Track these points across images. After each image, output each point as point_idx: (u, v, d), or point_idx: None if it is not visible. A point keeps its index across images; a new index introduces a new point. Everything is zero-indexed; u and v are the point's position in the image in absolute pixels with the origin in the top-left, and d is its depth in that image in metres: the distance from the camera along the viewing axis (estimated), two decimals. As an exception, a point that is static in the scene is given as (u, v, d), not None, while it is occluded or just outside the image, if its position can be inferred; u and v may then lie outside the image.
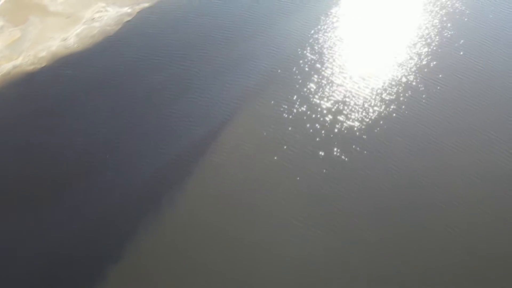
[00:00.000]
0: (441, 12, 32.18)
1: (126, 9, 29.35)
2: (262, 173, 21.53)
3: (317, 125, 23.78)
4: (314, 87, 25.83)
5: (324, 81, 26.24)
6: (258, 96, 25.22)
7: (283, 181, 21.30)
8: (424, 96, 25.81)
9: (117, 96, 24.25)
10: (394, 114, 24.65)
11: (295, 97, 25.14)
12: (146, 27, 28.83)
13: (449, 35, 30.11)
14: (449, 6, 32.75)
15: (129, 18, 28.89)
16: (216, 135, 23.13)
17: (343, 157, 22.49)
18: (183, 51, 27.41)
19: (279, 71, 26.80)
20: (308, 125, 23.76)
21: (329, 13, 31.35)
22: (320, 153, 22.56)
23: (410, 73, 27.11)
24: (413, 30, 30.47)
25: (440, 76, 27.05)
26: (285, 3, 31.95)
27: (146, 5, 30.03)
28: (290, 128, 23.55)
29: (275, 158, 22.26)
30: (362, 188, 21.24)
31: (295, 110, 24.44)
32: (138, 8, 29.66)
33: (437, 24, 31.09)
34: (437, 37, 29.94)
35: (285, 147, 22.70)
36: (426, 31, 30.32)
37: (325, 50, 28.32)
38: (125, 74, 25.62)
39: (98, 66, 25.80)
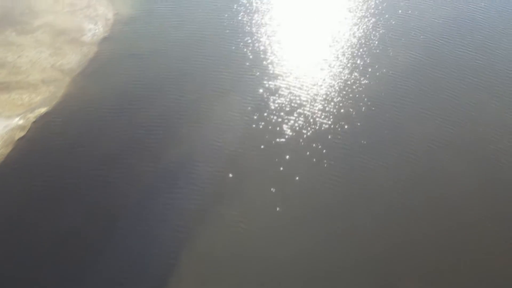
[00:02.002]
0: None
1: (17, 121, 22.58)
2: None
3: (283, 256, 18.57)
4: (273, 191, 20.68)
5: (282, 181, 21.17)
6: (206, 217, 19.51)
7: None
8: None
9: (12, 260, 17.52)
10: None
11: (251, 214, 19.74)
12: (47, 141, 22.14)
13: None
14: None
15: (22, 133, 22.10)
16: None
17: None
18: (100, 168, 21.12)
19: (230, 175, 21.38)
20: (271, 253, 18.46)
21: (267, 87, 26.23)
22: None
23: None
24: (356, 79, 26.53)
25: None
26: (216, 79, 26.53)
27: (43, 110, 23.41)
28: (250, 265, 18.10)
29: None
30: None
31: (254, 238, 18.94)
32: (32, 116, 22.97)
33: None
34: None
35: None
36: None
37: (277, 138, 23.12)
38: (22, 217, 18.92)
39: (-15, 215, 18.93)
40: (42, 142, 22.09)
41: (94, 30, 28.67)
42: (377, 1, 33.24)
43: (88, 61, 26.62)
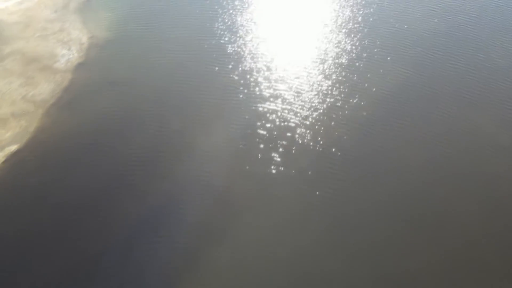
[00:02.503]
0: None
1: (-15, 162, 20.91)
2: None
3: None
4: (266, 228, 19.36)
5: (274, 217, 19.85)
6: (194, 261, 18.08)
7: None
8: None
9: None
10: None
11: (243, 254, 18.35)
12: (18, 183, 20.41)
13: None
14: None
15: (-10, 176, 20.50)
16: None
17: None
18: (77, 212, 19.52)
19: (219, 212, 19.91)
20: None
21: (254, 111, 24.77)
22: None
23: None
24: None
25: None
26: (199, 106, 24.93)
27: (14, 147, 21.66)
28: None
29: None
30: None
31: (247, 282, 17.60)
32: (2, 155, 21.16)
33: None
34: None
35: None
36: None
37: (267, 168, 21.72)
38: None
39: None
40: (13, 184, 20.39)
41: (68, 56, 27.00)
42: (362, 16, 32.15)
43: (62, 91, 24.92)
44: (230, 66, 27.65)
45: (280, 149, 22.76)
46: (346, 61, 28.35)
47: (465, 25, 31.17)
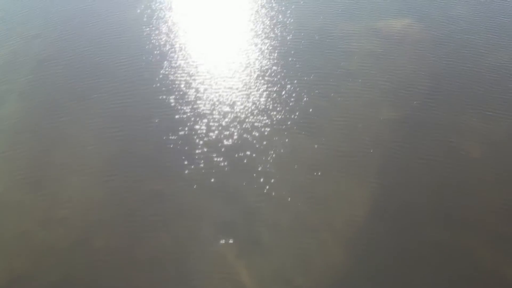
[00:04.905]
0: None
1: None
2: None
3: None
4: None
5: None
6: None
7: None
8: None
9: None
10: None
11: None
12: None
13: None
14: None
15: None
16: None
17: None
18: None
19: None
20: None
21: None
22: None
23: None
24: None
25: None
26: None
27: None
28: None
29: None
30: None
31: None
32: None
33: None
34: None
35: None
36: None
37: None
38: None
39: None
40: None
41: None
42: (301, 111, 25.66)
43: None
44: (162, 225, 20.35)
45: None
46: (294, 184, 21.74)
47: (422, 98, 25.54)
